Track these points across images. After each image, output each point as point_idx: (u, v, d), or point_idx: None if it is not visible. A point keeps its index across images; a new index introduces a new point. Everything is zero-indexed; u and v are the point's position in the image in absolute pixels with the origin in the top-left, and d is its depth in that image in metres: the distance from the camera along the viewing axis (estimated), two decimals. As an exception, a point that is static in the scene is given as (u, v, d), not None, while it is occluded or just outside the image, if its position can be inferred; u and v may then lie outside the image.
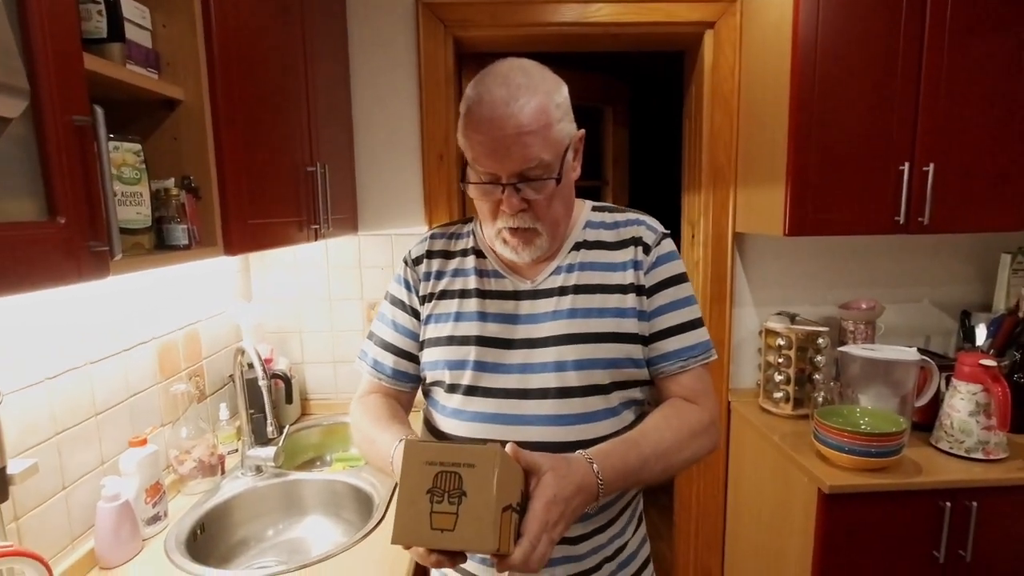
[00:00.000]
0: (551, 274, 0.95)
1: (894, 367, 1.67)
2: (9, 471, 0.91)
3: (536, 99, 0.83)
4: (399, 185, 1.98)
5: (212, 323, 1.71)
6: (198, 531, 1.32)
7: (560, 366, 0.90)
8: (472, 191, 0.90)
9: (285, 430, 1.66)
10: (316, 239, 1.51)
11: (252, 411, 1.65)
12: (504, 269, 0.98)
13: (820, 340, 1.88)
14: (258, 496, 1.49)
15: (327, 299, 2.02)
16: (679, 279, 0.96)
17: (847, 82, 1.58)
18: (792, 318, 1.97)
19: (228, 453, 1.60)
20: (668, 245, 0.97)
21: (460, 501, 0.65)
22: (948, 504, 1.49)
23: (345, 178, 1.84)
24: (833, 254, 2.07)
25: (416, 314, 1.01)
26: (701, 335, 0.96)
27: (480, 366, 0.92)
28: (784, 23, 1.61)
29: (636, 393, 0.96)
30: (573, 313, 0.92)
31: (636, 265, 0.95)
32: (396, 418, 0.96)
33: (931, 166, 1.60)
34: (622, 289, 0.93)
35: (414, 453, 0.68)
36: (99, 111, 0.69)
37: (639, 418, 0.96)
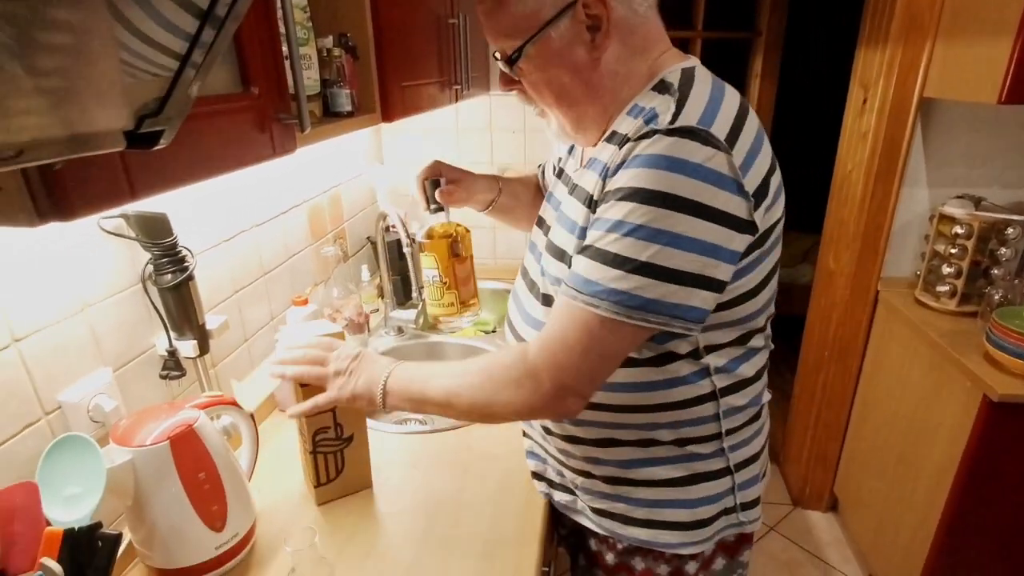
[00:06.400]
0: (583, 166, 0.82)
1: (1108, 269, 1.43)
2: (208, 327, 0.99)
3: None
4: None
5: (351, 186, 1.73)
6: (355, 384, 1.43)
7: (539, 259, 0.85)
8: None
9: (424, 293, 1.71)
10: (457, 100, 1.42)
11: (391, 273, 1.70)
12: (580, 151, 0.90)
13: (1009, 230, 1.63)
14: (402, 355, 1.52)
15: (457, 163, 1.96)
16: (637, 196, 0.64)
17: None
18: (977, 203, 1.71)
19: (370, 312, 1.68)
20: (658, 146, 0.64)
21: None
22: None
23: (479, 31, 1.69)
24: (1049, 129, 1.73)
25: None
26: (601, 273, 0.66)
27: (529, 243, 0.94)
28: None
29: None
30: (559, 218, 0.82)
31: (604, 171, 0.71)
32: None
33: None
34: (587, 199, 0.74)
35: None
36: (281, -40, 0.62)
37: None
